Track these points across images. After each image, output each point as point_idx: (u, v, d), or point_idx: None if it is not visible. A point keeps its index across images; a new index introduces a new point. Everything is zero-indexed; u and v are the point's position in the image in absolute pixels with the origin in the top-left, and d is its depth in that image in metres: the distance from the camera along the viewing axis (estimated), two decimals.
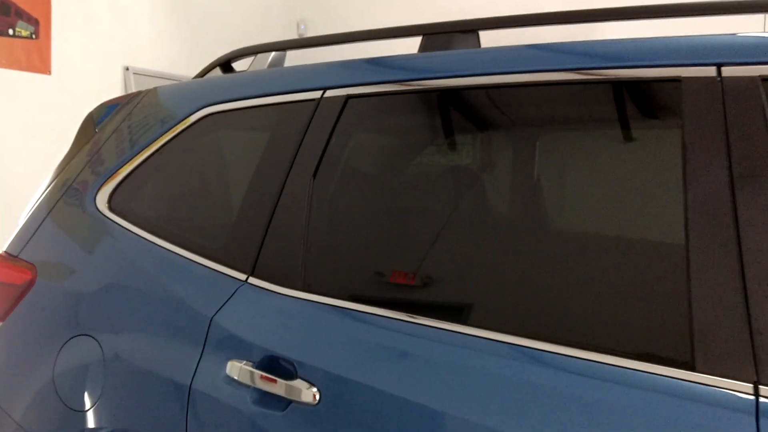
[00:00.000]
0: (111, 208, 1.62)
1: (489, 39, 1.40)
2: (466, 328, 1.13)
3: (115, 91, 4.27)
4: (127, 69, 4.32)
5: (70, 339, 1.53)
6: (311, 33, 6.23)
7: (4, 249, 1.77)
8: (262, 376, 1.24)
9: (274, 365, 1.25)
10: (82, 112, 3.51)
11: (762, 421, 0.89)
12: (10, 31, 3.56)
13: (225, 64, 1.74)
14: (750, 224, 0.97)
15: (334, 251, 1.35)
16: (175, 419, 1.33)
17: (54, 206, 1.72)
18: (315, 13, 6.19)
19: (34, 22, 3.68)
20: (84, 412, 1.47)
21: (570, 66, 1.19)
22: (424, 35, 1.43)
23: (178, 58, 4.79)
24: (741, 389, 0.93)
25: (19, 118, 3.61)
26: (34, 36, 3.69)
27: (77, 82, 3.96)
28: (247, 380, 1.26)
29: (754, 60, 1.04)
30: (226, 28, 5.29)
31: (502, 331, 1.10)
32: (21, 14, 3.61)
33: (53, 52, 3.80)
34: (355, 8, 5.90)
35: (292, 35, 6.20)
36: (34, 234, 1.71)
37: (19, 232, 1.76)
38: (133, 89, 4.40)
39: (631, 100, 1.15)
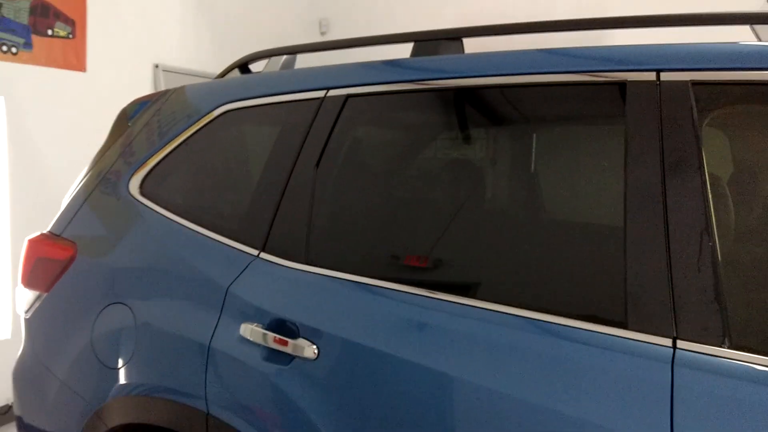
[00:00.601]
0: (142, 193, 1.84)
1: (472, 45, 1.58)
2: (433, 293, 1.33)
3: (146, 87, 4.51)
4: (157, 66, 4.56)
5: (106, 306, 1.75)
6: (333, 32, 6.40)
7: (48, 229, 1.99)
8: (270, 336, 1.45)
9: (281, 327, 1.46)
10: (115, 107, 3.76)
11: (676, 368, 1.08)
12: (49, 32, 3.81)
13: (243, 66, 1.94)
14: (675, 207, 1.15)
15: (333, 230, 1.55)
16: (195, 374, 1.54)
17: (91, 192, 1.94)
18: (337, 13, 6.36)
19: (71, 22, 3.94)
20: (118, 369, 1.69)
21: (537, 70, 1.37)
22: (415, 41, 1.62)
23: (205, 56, 5.02)
24: (662, 343, 1.11)
25: (57, 112, 3.87)
26: (70, 36, 3.94)
27: (110, 78, 4.21)
28: (258, 339, 1.47)
29: (687, 66, 1.22)
30: (251, 27, 5.51)
31: (460, 294, 1.30)
32: (59, 15, 3.87)
33: (88, 50, 4.05)
34: (377, 7, 6.06)
35: (314, 34, 6.39)
36: (74, 216, 1.94)
37: (61, 214, 1.98)
38: (162, 86, 4.64)
39: (587, 100, 1.33)
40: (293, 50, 1.83)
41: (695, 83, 1.21)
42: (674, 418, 1.05)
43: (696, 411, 1.04)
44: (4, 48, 3.57)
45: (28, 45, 3.70)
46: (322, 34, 6.48)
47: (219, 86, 1.86)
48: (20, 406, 1.97)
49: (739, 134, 1.23)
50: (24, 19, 3.68)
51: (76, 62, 4.02)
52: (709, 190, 1.15)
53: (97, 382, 1.73)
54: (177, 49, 4.76)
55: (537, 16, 5.13)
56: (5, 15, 3.57)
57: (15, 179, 3.62)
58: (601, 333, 1.16)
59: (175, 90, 2.00)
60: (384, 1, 6.03)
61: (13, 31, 3.62)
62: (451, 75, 1.46)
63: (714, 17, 1.30)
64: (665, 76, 1.24)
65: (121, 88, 4.29)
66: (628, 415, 1.08)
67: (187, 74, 4.80)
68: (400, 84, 1.54)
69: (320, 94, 1.64)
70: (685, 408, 1.05)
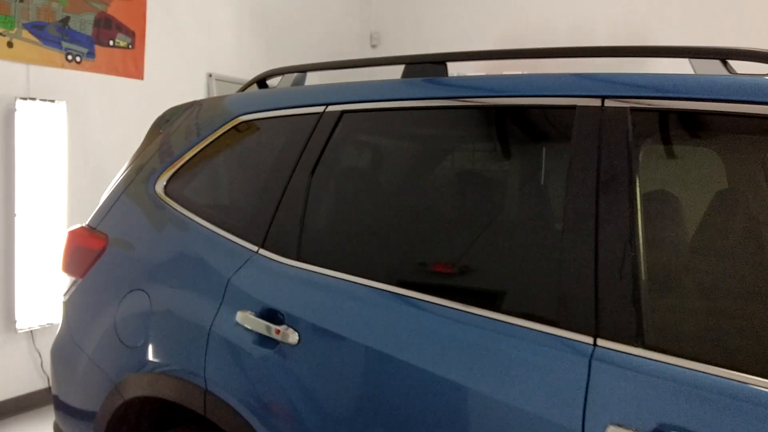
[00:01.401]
0: (166, 193, 2.06)
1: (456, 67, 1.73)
2: (399, 289, 1.49)
3: (199, 95, 4.81)
4: (210, 75, 4.85)
5: (128, 292, 1.97)
6: (384, 45, 6.60)
7: (87, 222, 2.24)
8: (261, 323, 1.63)
9: (270, 314, 1.64)
10: None
11: (593, 362, 1.21)
12: (111, 42, 4.13)
13: (260, 82, 2.14)
14: (605, 219, 1.28)
15: (321, 231, 1.73)
16: (197, 354, 1.74)
17: (124, 190, 2.17)
18: (388, 27, 6.56)
19: (131, 34, 4.25)
20: (136, 348, 1.91)
21: (499, 94, 1.52)
22: (406, 64, 1.78)
23: (256, 65, 5.29)
24: (584, 340, 1.25)
25: (115, 117, 4.18)
26: (130, 46, 4.26)
27: (166, 86, 4.52)
28: (250, 326, 1.65)
29: (627, 95, 1.35)
30: (303, 39, 5.76)
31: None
32: (120, 27, 4.19)
33: (146, 60, 4.37)
34: (427, 23, 6.23)
35: (365, 47, 6.61)
36: (108, 211, 2.18)
37: (98, 209, 2.23)
38: (215, 94, 4.93)
39: (542, 121, 1.47)
40: (302, 69, 2.02)
41: (633, 110, 1.34)
42: (587, 404, 1.18)
43: (605, 398, 1.17)
44: (69, 57, 3.90)
45: (91, 54, 4.03)
46: (373, 47, 6.69)
47: (236, 99, 2.07)
48: (55, 383, 2.21)
49: (669, 156, 1.34)
50: (88, 30, 4.01)
51: (135, 71, 4.34)
52: (638, 206, 1.27)
53: (118, 359, 1.95)
54: (230, 59, 5.05)
55: (578, 35, 5.22)
56: (71, 27, 3.90)
57: (73, 178, 3.95)
58: (535, 330, 1.30)
59: (203, 101, 2.22)
60: (433, 16, 6.20)
61: (78, 42, 3.95)
62: (429, 96, 1.62)
63: (659, 50, 1.42)
64: (609, 103, 1.37)
65: (175, 95, 4.59)
66: (548, 401, 1.22)
67: (239, 83, 5.09)
68: (388, 102, 1.71)
69: (320, 109, 1.82)
70: (596, 395, 1.18)
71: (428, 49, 6.06)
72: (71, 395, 2.13)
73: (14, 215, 3.64)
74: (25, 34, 3.66)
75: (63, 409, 2.14)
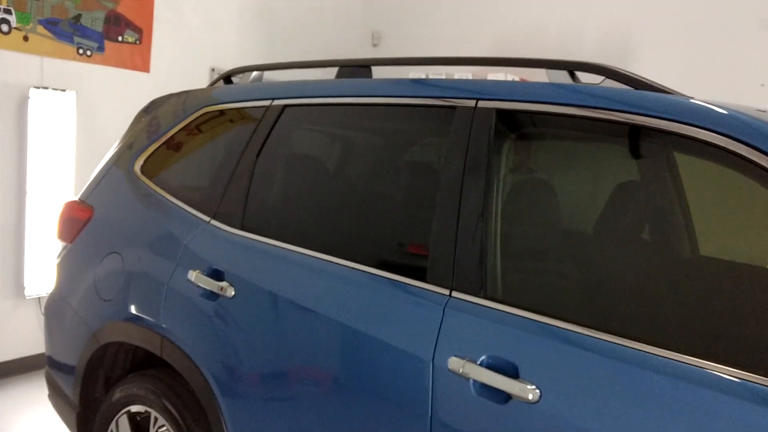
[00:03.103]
0: (142, 172, 2.41)
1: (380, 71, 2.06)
2: (316, 253, 1.82)
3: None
4: (213, 70, 5.21)
5: (106, 255, 2.32)
6: (385, 44, 6.90)
7: (78, 197, 2.59)
8: (205, 280, 1.97)
9: (213, 273, 1.98)
10: None
11: (446, 309, 1.53)
12: (119, 38, 4.50)
13: (226, 78, 2.48)
14: (466, 198, 1.60)
15: (261, 207, 2.06)
16: (156, 305, 2.09)
17: (110, 168, 2.53)
18: (389, 26, 6.86)
19: (138, 30, 4.62)
20: (110, 301, 2.26)
21: (402, 94, 1.84)
22: (339, 66, 2.11)
23: (259, 61, 5.65)
24: (443, 292, 1.56)
25: (123, 107, 4.55)
26: (138, 42, 4.63)
27: (171, 79, 4.88)
28: (198, 282, 1.99)
29: (493, 97, 1.66)
30: (305, 36, 6.10)
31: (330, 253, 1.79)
32: (129, 24, 4.55)
33: (152, 54, 4.74)
34: (427, 24, 6.51)
35: (366, 45, 6.92)
36: (96, 186, 2.53)
37: (88, 184, 2.58)
38: None
39: (432, 119, 1.79)
40: (260, 68, 2.35)
41: (498, 110, 1.65)
42: (438, 342, 1.50)
43: (450, 337, 1.49)
44: (80, 51, 4.28)
45: (101, 49, 4.41)
46: (374, 45, 7.00)
47: (202, 93, 2.41)
48: (48, 341, 2.57)
49: (519, 147, 1.66)
50: (99, 27, 4.38)
51: (142, 64, 4.71)
52: (492, 187, 1.59)
53: (96, 310, 2.31)
54: (232, 54, 5.40)
55: (566, 38, 5.49)
56: (83, 23, 4.28)
57: (80, 160, 4.32)
58: (411, 285, 1.62)
59: (178, 93, 2.57)
60: (433, 17, 6.48)
61: (89, 37, 4.33)
62: (343, 94, 1.95)
63: (521, 61, 1.73)
64: (481, 104, 1.68)
65: (180, 87, 4.91)
66: (410, 338, 1.54)
67: None
68: (322, 98, 2.04)
69: (267, 103, 2.15)
70: (445, 334, 1.50)
71: (428, 48, 6.36)
72: (59, 348, 2.49)
73: (26, 192, 4.03)
74: (40, 29, 4.04)
75: (54, 365, 2.51)
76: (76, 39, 4.26)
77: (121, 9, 4.51)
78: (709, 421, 1.16)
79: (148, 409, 2.14)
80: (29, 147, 4.01)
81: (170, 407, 2.05)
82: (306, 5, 6.09)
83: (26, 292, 4.08)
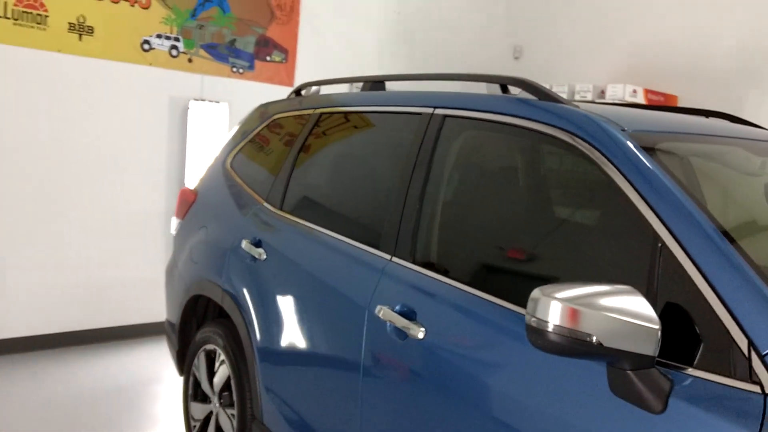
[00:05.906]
0: (231, 166, 3.07)
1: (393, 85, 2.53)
2: (321, 228, 2.34)
3: None
4: (352, 85, 5.91)
5: (199, 228, 3.01)
6: (527, 58, 7.13)
7: (193, 187, 3.33)
8: (249, 246, 2.56)
9: (257, 242, 2.57)
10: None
11: (384, 270, 1.97)
12: (267, 58, 5.33)
13: (296, 91, 3.06)
14: (413, 184, 2.02)
15: (297, 194, 2.61)
16: (221, 266, 2.72)
17: (213, 163, 3.23)
18: (531, 40, 7.09)
19: (284, 51, 5.42)
20: (198, 263, 2.94)
21: (384, 103, 2.30)
22: (364, 82, 2.60)
23: None
24: (386, 258, 2.01)
25: None
26: (284, 61, 5.43)
27: None
28: (246, 248, 2.59)
29: (444, 105, 2.07)
30: (446, 53, 6.58)
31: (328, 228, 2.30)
32: (276, 46, 5.37)
33: (296, 71, 5.52)
34: (569, 37, 6.66)
35: (508, 59, 7.22)
36: (203, 176, 3.25)
37: (201, 175, 3.30)
38: None
39: (402, 124, 2.23)
40: (325, 83, 2.90)
41: (447, 116, 2.05)
42: (373, 295, 1.95)
43: (382, 291, 1.93)
44: (234, 69, 5.15)
45: (251, 67, 5.26)
46: (516, 59, 7.28)
47: (279, 103, 3.03)
48: (166, 297, 3.33)
49: (459, 145, 2.04)
50: (250, 49, 5.24)
51: (287, 79, 5.51)
52: (431, 177, 2.00)
53: (189, 271, 3.00)
54: (374, 70, 6.04)
55: (699, 49, 5.46)
56: (237, 47, 5.15)
57: None
58: (366, 251, 2.08)
59: (267, 103, 3.21)
60: (574, 30, 6.62)
61: (241, 58, 5.19)
62: (347, 105, 2.45)
63: (469, 76, 2.11)
64: (437, 111, 2.09)
65: None
66: (357, 292, 2.00)
67: None
68: (314, 110, 2.55)
69: (316, 110, 2.70)
70: (379, 289, 1.94)
71: (569, 61, 6.53)
72: (170, 301, 3.24)
73: (184, 185, 4.95)
74: (202, 52, 4.96)
75: (168, 316, 3.27)
76: (231, 59, 5.13)
77: (270, 33, 5.34)
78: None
79: (216, 347, 2.78)
80: (188, 149, 4.93)
81: (227, 345, 2.67)
82: (448, 24, 6.56)
83: None
